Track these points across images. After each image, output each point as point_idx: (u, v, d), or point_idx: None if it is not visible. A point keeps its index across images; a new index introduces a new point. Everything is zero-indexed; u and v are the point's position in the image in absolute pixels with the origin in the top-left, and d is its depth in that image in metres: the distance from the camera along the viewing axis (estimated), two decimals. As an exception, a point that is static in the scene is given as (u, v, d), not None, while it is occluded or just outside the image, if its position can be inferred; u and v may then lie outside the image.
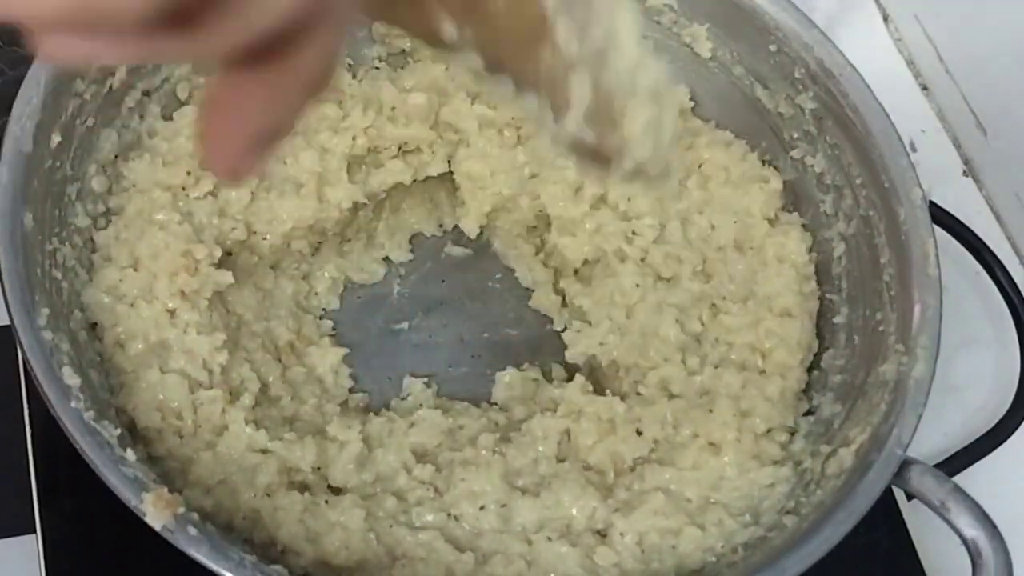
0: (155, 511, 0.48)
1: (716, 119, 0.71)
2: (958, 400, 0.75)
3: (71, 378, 0.51)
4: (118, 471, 0.49)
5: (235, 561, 0.48)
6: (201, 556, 0.48)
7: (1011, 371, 0.72)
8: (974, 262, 0.75)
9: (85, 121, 0.59)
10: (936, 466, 0.69)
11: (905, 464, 0.54)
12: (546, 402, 0.63)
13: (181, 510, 0.49)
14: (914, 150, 0.81)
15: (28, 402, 0.62)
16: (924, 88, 0.88)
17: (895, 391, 0.56)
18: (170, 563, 0.49)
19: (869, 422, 0.56)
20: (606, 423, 0.61)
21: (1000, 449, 0.70)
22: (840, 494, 0.54)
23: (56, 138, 0.57)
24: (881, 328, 0.59)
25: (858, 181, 0.63)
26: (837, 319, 0.65)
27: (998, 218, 0.83)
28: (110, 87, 0.61)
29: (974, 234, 0.74)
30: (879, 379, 0.57)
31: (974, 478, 0.70)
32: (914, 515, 0.68)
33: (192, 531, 0.48)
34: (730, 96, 0.69)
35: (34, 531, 0.59)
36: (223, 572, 0.47)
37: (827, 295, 0.66)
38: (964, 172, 0.86)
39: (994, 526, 0.53)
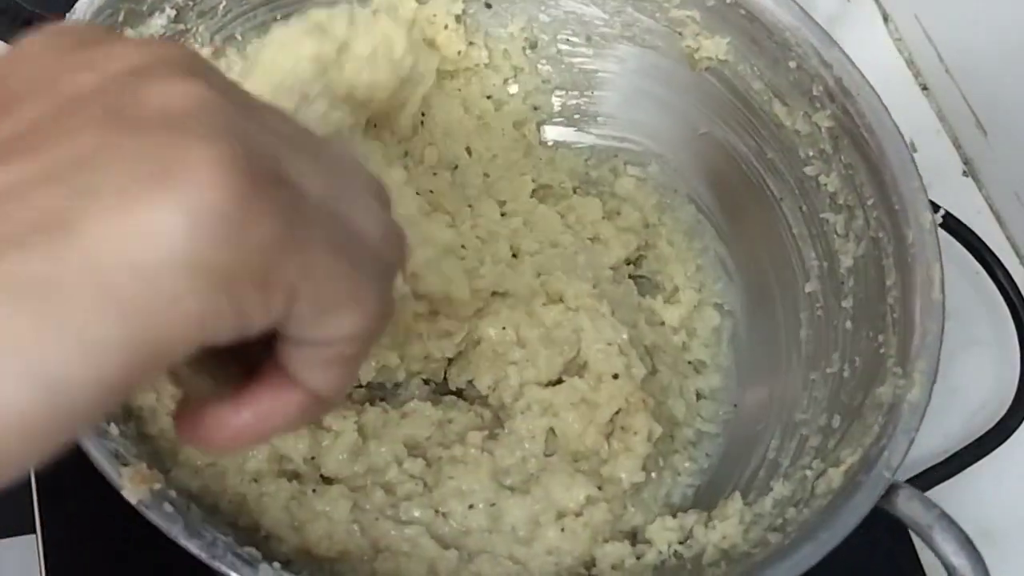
0: (132, 485, 0.48)
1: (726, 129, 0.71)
2: (958, 400, 0.74)
3: None
4: (100, 444, 0.49)
5: (207, 540, 0.48)
6: (175, 533, 0.47)
7: (1011, 371, 0.72)
8: (974, 262, 0.75)
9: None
10: (936, 466, 0.69)
11: (893, 488, 0.53)
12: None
13: (158, 486, 0.48)
14: (914, 150, 0.81)
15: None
16: (924, 88, 0.88)
17: (889, 414, 0.55)
18: (171, 563, 0.49)
19: (861, 443, 0.55)
20: (582, 404, 0.61)
21: (1000, 449, 0.70)
22: (825, 514, 0.53)
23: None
24: (882, 351, 0.58)
25: (869, 202, 0.62)
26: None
27: (998, 218, 0.83)
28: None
29: (974, 234, 0.74)
30: (875, 401, 0.57)
31: (974, 478, 0.70)
32: (914, 515, 0.67)
33: (168, 508, 0.48)
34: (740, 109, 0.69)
35: (34, 531, 0.59)
36: (194, 551, 0.47)
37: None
38: (964, 172, 0.85)
39: (978, 554, 0.52)
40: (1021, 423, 0.71)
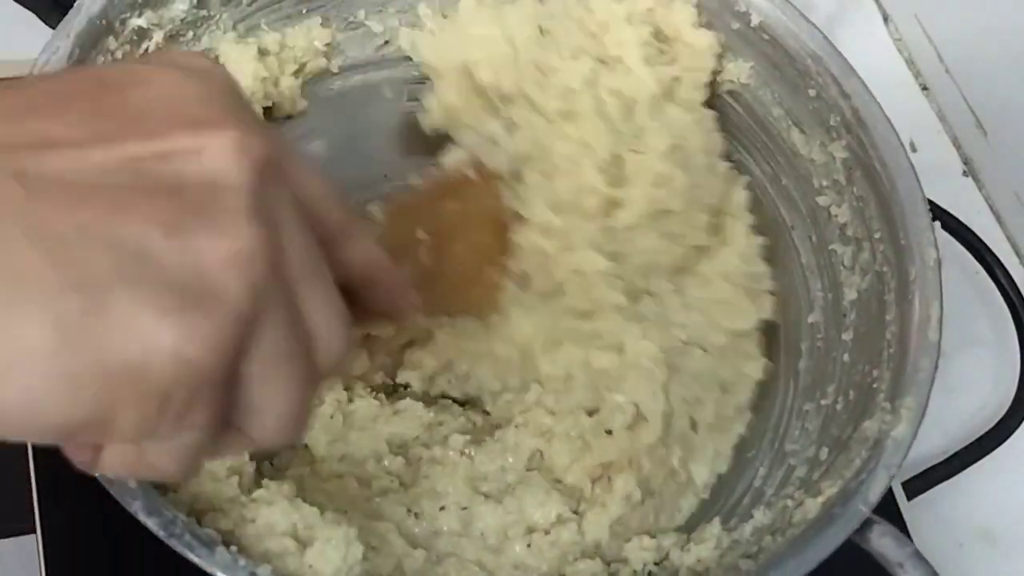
0: None
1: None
2: (958, 400, 0.74)
3: None
4: None
5: (166, 519, 0.47)
6: (135, 509, 0.46)
7: (1011, 371, 0.73)
8: (974, 262, 0.75)
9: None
10: (936, 466, 0.69)
11: (868, 522, 0.52)
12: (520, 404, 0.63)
13: None
14: (914, 150, 0.81)
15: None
16: (924, 88, 0.88)
17: (873, 448, 0.54)
18: (170, 564, 0.49)
19: (842, 476, 0.55)
20: (578, 440, 0.60)
21: (1000, 449, 0.70)
22: (797, 543, 0.53)
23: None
24: (875, 385, 0.58)
25: (877, 236, 0.61)
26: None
27: (998, 218, 0.83)
28: (146, 50, 0.60)
29: (974, 234, 0.74)
30: (862, 435, 0.56)
31: (974, 478, 0.70)
32: (914, 515, 0.68)
33: (131, 483, 0.47)
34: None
35: (34, 531, 0.59)
36: (153, 528, 0.46)
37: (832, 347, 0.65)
38: (964, 172, 0.86)
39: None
40: (1021, 423, 0.71)
